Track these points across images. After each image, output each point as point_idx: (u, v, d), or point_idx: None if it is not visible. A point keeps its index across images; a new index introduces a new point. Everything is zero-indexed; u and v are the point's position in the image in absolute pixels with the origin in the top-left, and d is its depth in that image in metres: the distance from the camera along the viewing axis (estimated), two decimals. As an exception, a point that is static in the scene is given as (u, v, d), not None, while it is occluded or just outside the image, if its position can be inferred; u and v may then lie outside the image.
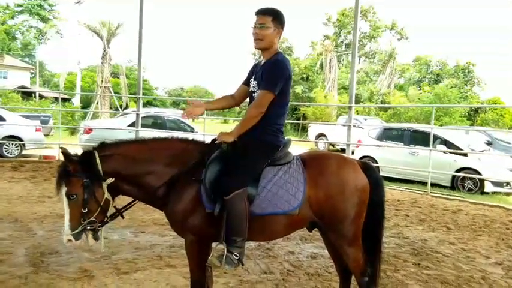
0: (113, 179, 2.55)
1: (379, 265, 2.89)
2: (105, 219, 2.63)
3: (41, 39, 38.75)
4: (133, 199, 2.78)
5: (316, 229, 2.87)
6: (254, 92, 2.76)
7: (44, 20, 38.02)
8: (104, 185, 2.55)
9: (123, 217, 2.74)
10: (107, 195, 2.56)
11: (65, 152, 2.52)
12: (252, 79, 2.80)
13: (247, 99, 2.91)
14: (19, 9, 37.42)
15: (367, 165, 2.89)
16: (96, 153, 2.58)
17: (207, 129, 11.10)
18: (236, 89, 2.97)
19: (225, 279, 3.68)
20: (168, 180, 2.59)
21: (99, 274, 3.69)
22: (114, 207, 2.68)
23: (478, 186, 9.36)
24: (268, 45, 2.71)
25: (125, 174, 2.60)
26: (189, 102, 2.78)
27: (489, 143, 12.81)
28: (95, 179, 2.53)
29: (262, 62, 2.79)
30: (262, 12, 2.68)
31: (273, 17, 2.68)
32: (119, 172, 2.59)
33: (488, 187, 9.31)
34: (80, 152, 2.65)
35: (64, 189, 2.51)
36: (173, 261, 4.06)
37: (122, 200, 2.76)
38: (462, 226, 6.05)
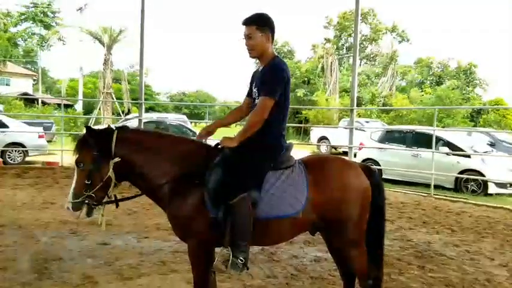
0: (119, 158, 2.63)
1: (382, 269, 2.89)
2: (102, 199, 2.68)
3: (43, 46, 38.93)
4: (133, 195, 2.84)
5: (319, 232, 2.87)
6: (256, 98, 2.77)
7: (46, 27, 38.19)
8: (111, 163, 2.62)
9: (117, 206, 2.77)
10: (110, 173, 2.63)
11: (87, 125, 2.72)
12: (253, 86, 2.82)
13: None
14: (22, 16, 37.62)
15: (369, 169, 2.90)
16: (115, 133, 2.68)
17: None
18: (242, 102, 3.01)
19: (228, 284, 3.67)
20: (171, 180, 2.61)
21: (102, 280, 3.69)
22: (114, 196, 2.74)
23: (482, 187, 9.32)
24: (261, 53, 2.74)
25: (132, 161, 2.66)
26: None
27: (492, 144, 12.78)
28: (104, 155, 2.62)
29: (260, 68, 2.81)
30: (246, 23, 2.70)
31: (257, 25, 2.68)
32: (128, 157, 2.65)
33: (492, 188, 9.27)
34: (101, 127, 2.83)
35: (76, 157, 2.67)
36: (177, 266, 4.06)
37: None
38: (466, 228, 6.02)
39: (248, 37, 2.69)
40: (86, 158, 2.63)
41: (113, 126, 2.81)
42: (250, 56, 2.77)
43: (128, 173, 2.69)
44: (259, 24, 2.69)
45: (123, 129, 2.78)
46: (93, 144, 2.63)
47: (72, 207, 2.61)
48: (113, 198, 2.74)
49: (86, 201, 2.62)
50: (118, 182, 2.70)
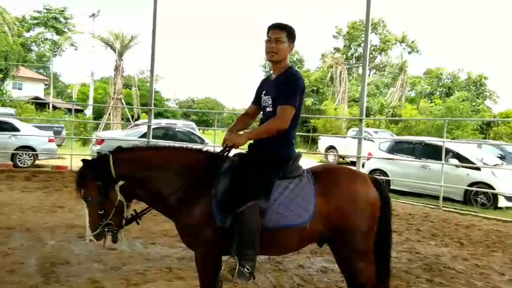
0: (123, 181, 2.62)
1: (389, 281, 2.86)
2: (122, 222, 2.70)
3: (55, 51, 39.49)
4: (147, 206, 2.83)
5: (326, 243, 2.85)
6: (267, 107, 2.78)
7: (59, 32, 38.82)
8: (117, 188, 2.62)
9: (138, 223, 2.80)
10: (120, 197, 2.63)
11: (83, 160, 2.72)
12: (263, 94, 2.82)
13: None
14: (35, 22, 38.30)
15: (377, 181, 2.88)
16: (111, 157, 2.67)
17: (218, 141, 11.16)
18: (248, 108, 3.02)
19: (234, 292, 3.65)
20: (178, 190, 2.61)
21: (109, 285, 3.70)
22: (134, 210, 2.76)
23: (492, 201, 9.19)
24: (282, 59, 2.77)
25: (137, 179, 2.66)
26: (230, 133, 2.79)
27: (502, 157, 12.61)
28: (108, 182, 2.62)
29: (273, 76, 2.82)
30: (278, 27, 2.76)
31: (287, 32, 2.75)
32: (131, 176, 2.65)
33: (502, 202, 9.14)
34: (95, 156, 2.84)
35: (81, 193, 2.67)
36: (183, 273, 4.05)
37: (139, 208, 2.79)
38: (475, 241, 5.94)
39: (277, 40, 2.72)
40: (91, 191, 2.63)
41: (106, 151, 2.78)
42: (270, 59, 2.78)
43: (134, 191, 2.68)
44: (290, 32, 2.76)
45: (118, 150, 2.76)
46: (93, 176, 2.63)
47: (95, 239, 2.68)
48: (130, 218, 2.77)
49: (106, 229, 2.65)
50: (128, 201, 2.70)
